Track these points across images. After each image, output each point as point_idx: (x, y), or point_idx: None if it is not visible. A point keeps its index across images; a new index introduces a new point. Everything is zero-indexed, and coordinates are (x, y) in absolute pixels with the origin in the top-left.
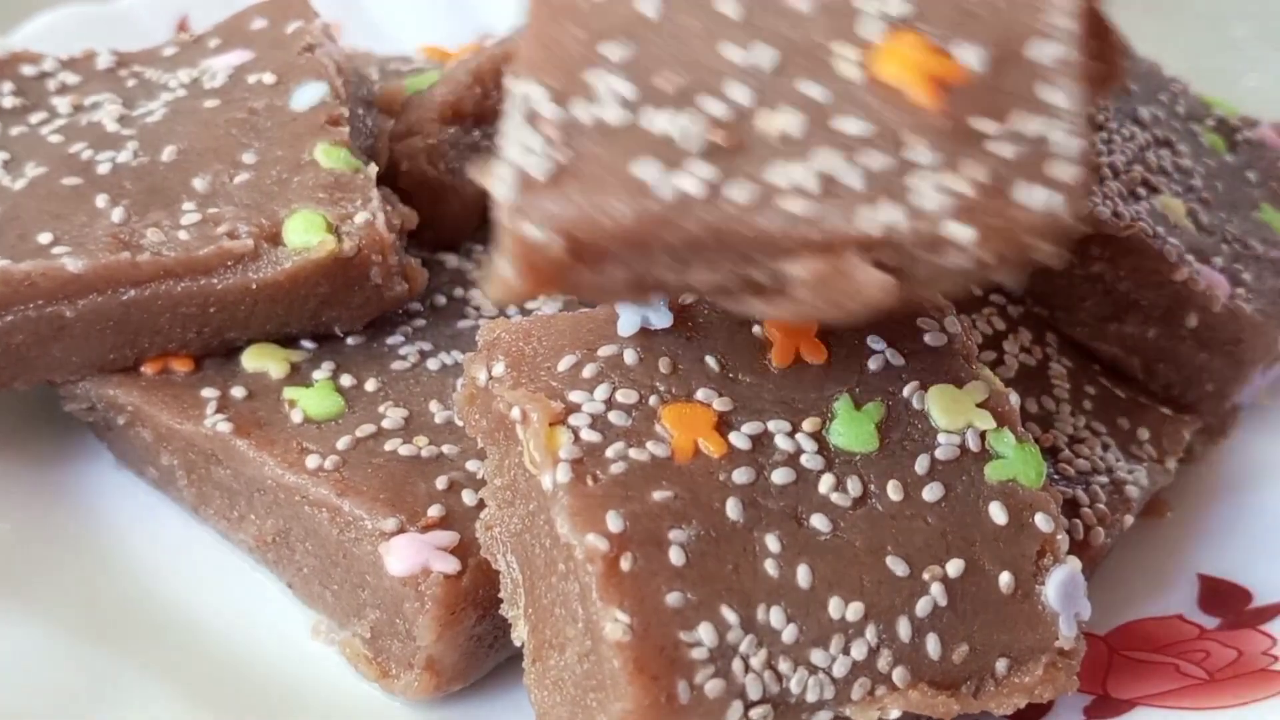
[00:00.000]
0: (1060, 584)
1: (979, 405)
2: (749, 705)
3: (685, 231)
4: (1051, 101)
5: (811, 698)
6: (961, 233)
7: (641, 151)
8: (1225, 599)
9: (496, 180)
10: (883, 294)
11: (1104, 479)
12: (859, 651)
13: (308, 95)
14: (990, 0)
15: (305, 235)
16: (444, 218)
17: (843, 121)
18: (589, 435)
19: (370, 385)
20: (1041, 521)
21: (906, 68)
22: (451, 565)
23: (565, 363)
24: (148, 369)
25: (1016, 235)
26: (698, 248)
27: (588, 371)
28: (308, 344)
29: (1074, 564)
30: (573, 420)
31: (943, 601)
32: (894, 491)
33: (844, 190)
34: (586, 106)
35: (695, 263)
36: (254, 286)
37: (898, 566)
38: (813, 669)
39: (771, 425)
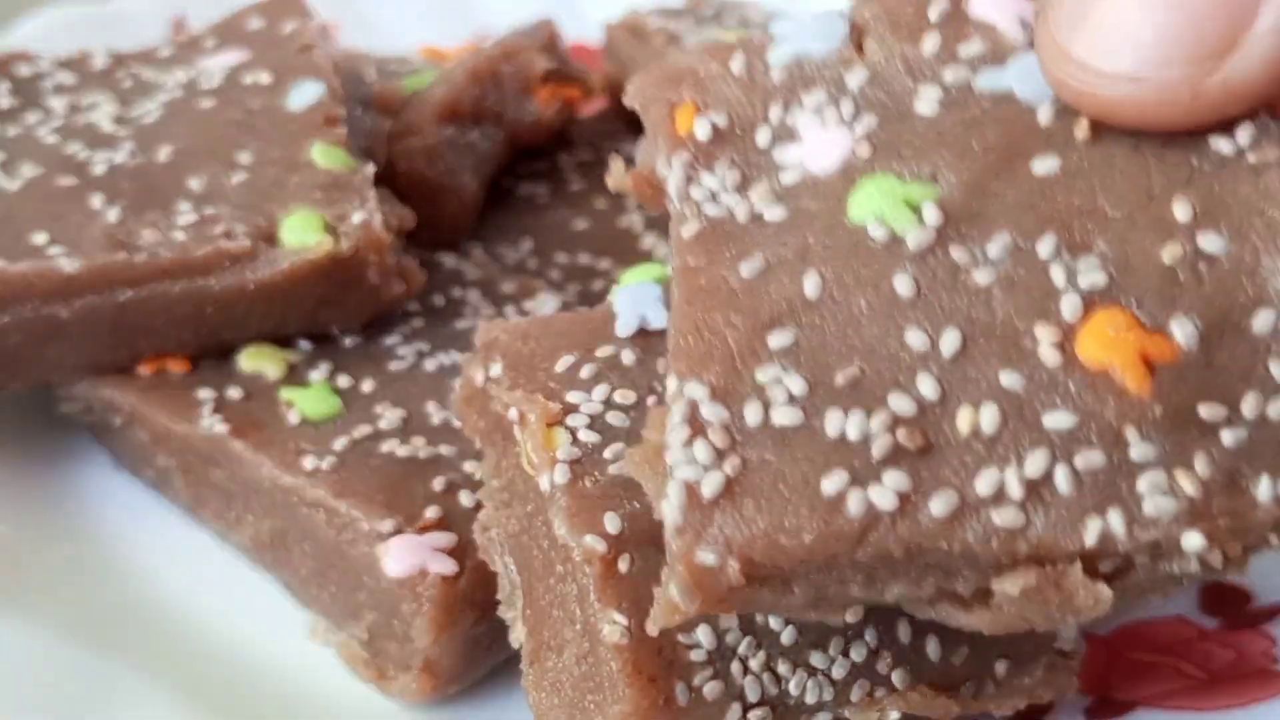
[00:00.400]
0: None
1: None
2: (747, 707)
3: (880, 550)
4: (1277, 376)
5: (810, 700)
6: (1191, 541)
7: (821, 459)
8: (1225, 600)
9: (663, 499)
10: (1100, 607)
11: None
12: (858, 653)
13: (304, 95)
14: (1197, 267)
15: (302, 235)
16: (441, 218)
17: (1045, 415)
18: (587, 436)
19: (367, 386)
20: None
21: (1113, 349)
22: (449, 567)
23: (563, 363)
24: (144, 370)
25: (1249, 533)
26: (893, 564)
27: (585, 372)
28: (304, 344)
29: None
30: (570, 421)
31: None
32: None
33: (1055, 496)
34: (754, 407)
35: (890, 579)
36: (251, 287)
37: None
38: (812, 671)
39: None
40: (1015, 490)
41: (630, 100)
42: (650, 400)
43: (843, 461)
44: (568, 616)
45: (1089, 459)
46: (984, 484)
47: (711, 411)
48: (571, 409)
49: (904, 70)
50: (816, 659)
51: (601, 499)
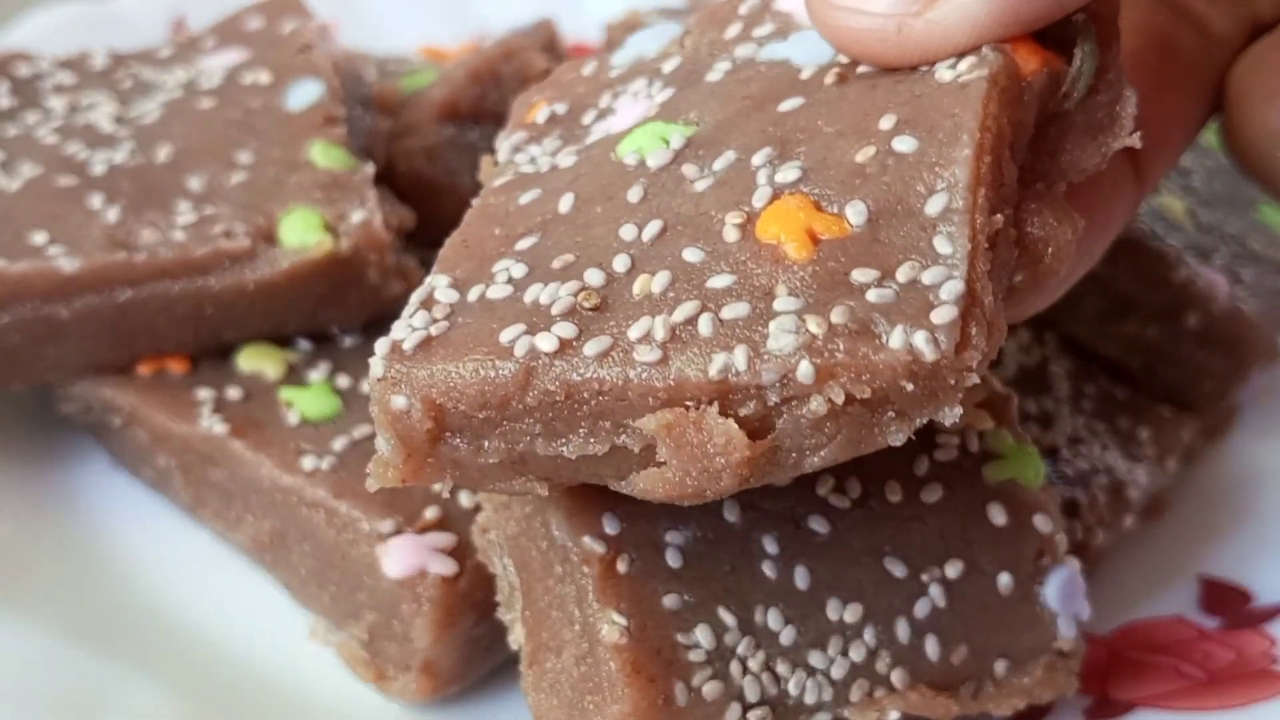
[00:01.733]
0: (1059, 585)
1: (978, 406)
2: (747, 707)
3: (538, 390)
4: (937, 248)
5: (810, 700)
6: (804, 370)
7: (510, 319)
8: (1225, 600)
9: (373, 360)
10: (742, 452)
11: (1103, 479)
12: (857, 653)
13: (304, 94)
14: (883, 160)
15: (302, 235)
16: (441, 218)
17: (712, 279)
18: None
19: (367, 386)
20: (1041, 522)
21: (784, 225)
22: (448, 567)
23: None
24: (144, 370)
25: (872, 376)
26: (557, 409)
27: None
28: (304, 344)
29: (1073, 565)
30: None
31: (942, 603)
32: (892, 493)
33: (694, 338)
34: (477, 288)
35: (561, 429)
36: (250, 286)
37: (896, 568)
38: (811, 671)
39: None
40: (660, 333)
41: (511, 117)
42: None
43: (524, 318)
44: (566, 617)
45: (734, 309)
46: (636, 330)
47: (443, 294)
48: None
49: (707, 53)
50: (816, 659)
51: (599, 500)
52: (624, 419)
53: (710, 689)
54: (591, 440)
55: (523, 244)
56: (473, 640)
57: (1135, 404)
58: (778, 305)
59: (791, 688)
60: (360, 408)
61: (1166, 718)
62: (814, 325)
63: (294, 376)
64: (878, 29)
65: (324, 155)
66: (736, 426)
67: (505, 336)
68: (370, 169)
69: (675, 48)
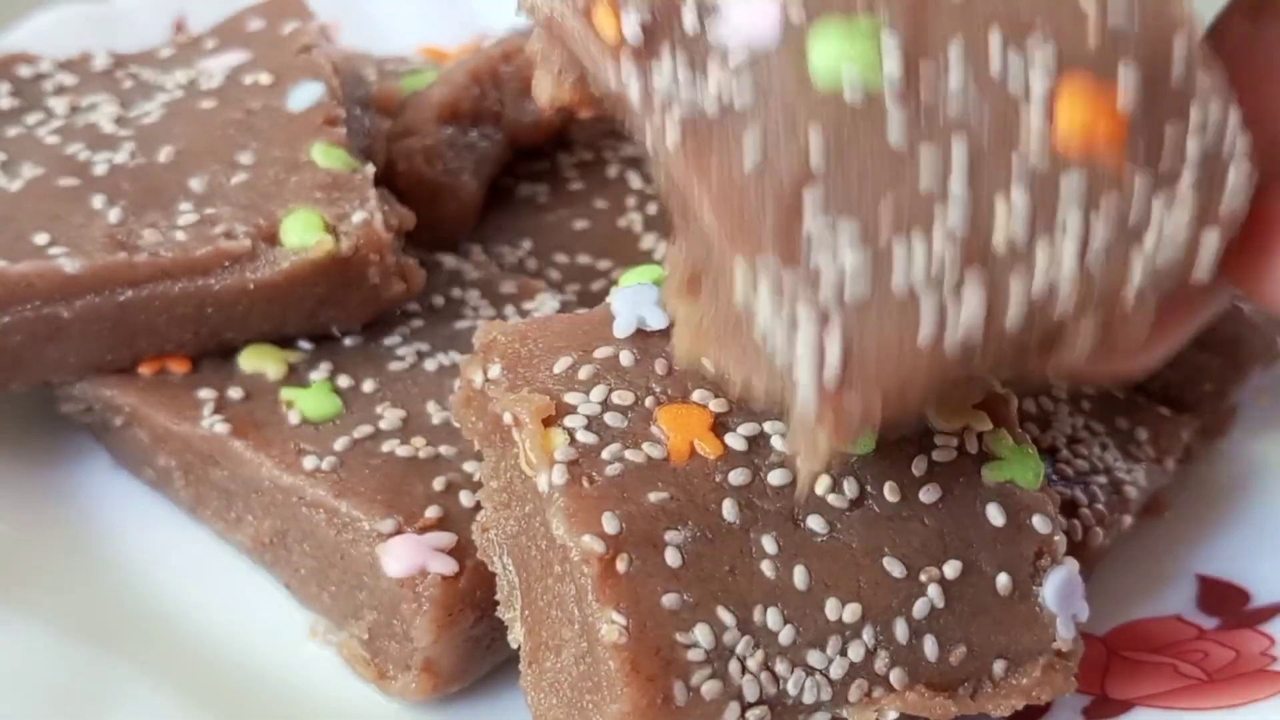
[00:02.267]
0: (1058, 585)
1: (976, 407)
2: (746, 707)
3: (985, 354)
4: (1201, 89)
5: (808, 699)
6: (1209, 240)
7: (910, 303)
8: (1223, 599)
9: (791, 368)
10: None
11: (1102, 479)
12: (856, 653)
13: (304, 95)
14: (1112, 12)
15: (302, 235)
16: (441, 218)
17: (1056, 208)
18: (585, 437)
19: (367, 386)
20: (1039, 523)
21: (1085, 111)
22: (449, 566)
23: (561, 364)
24: (145, 370)
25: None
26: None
27: (584, 373)
28: (305, 345)
29: (1072, 565)
30: (568, 422)
31: (940, 603)
32: (891, 493)
33: (1095, 254)
34: (824, 258)
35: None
36: (251, 287)
37: (895, 568)
38: (810, 670)
39: (768, 426)
40: (1070, 262)
41: (525, 6)
42: (648, 401)
43: (929, 295)
44: (566, 617)
45: (1101, 233)
46: (1040, 277)
47: (787, 279)
48: (569, 410)
49: None
50: (814, 658)
51: (599, 499)
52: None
53: (709, 688)
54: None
55: (811, 199)
56: (473, 639)
57: (1134, 404)
58: (1133, 219)
59: (790, 687)
60: (361, 407)
61: (1165, 717)
62: (1186, 199)
63: (295, 377)
64: None
65: (324, 156)
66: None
67: (924, 334)
68: (371, 169)
69: None
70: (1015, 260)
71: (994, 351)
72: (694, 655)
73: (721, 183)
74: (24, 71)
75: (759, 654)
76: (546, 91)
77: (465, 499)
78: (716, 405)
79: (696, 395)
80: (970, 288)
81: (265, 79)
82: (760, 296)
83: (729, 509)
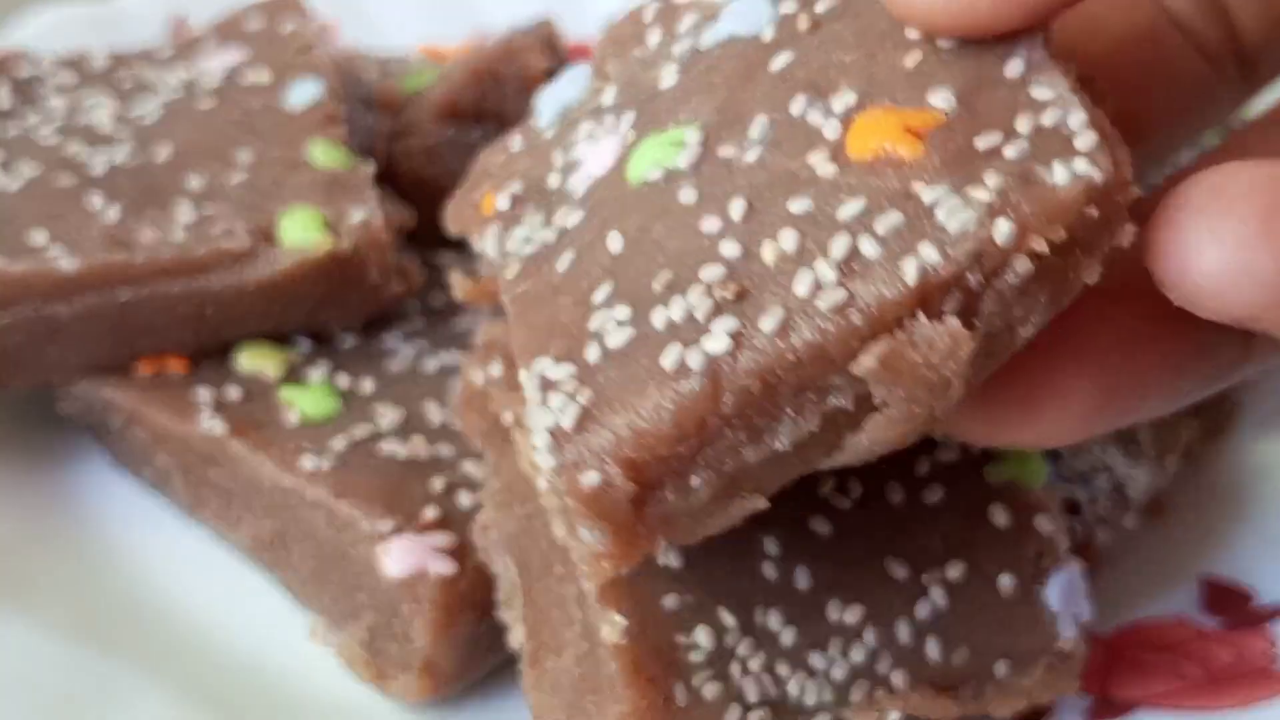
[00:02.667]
0: (1061, 585)
1: None
2: (747, 708)
3: (736, 392)
4: (1039, 97)
5: (810, 701)
6: (1001, 229)
7: (656, 348)
8: (1226, 600)
9: (538, 464)
10: (966, 348)
11: (1104, 479)
12: (858, 655)
13: (304, 94)
14: (936, 55)
15: (302, 234)
16: (441, 218)
17: (840, 211)
18: None
19: (367, 386)
20: (1042, 523)
21: (878, 134)
22: (449, 567)
23: None
24: (143, 370)
25: (1062, 214)
26: (756, 406)
27: None
28: (304, 344)
29: (1074, 565)
30: None
31: (942, 604)
32: (893, 493)
33: (867, 263)
34: (592, 347)
35: (766, 424)
36: (250, 286)
37: (897, 569)
38: (811, 672)
39: None
40: (829, 275)
41: (451, 229)
42: None
43: (674, 338)
44: (567, 617)
45: (887, 221)
46: (801, 287)
47: (557, 371)
48: None
49: (641, 68)
50: (816, 660)
51: None
52: (828, 379)
53: (710, 689)
54: (801, 420)
55: (600, 294)
56: (473, 640)
57: None
58: (927, 198)
59: (792, 688)
60: (360, 407)
61: (1167, 717)
62: (981, 194)
63: (294, 376)
64: None
65: (324, 155)
66: (957, 322)
67: (668, 361)
68: (370, 168)
69: (599, 82)
70: (774, 288)
71: (752, 387)
72: (695, 656)
73: (532, 296)
74: (23, 70)
75: (761, 655)
76: (464, 292)
77: (465, 499)
78: None
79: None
80: (731, 307)
81: (264, 78)
82: (530, 399)
83: None
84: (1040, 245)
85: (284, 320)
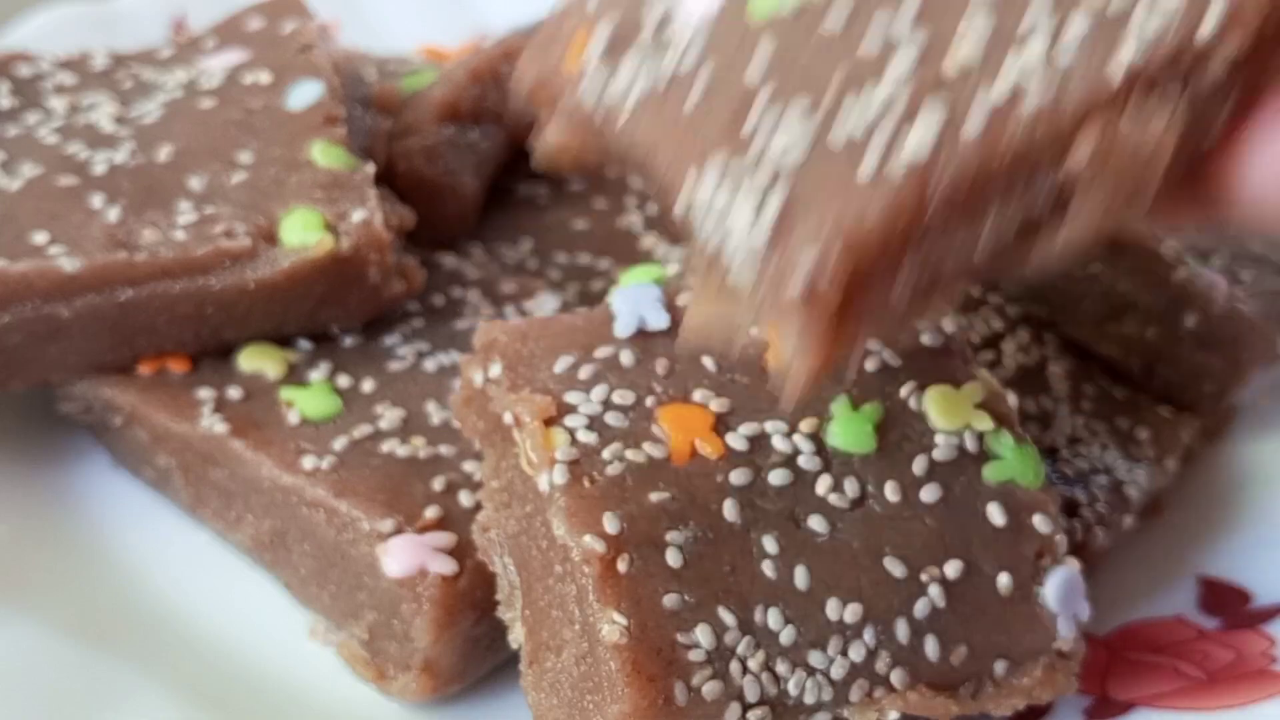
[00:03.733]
0: (1059, 585)
1: (977, 406)
2: (747, 707)
3: (943, 195)
4: None
5: (809, 699)
6: (1209, 19)
7: (850, 155)
8: (1224, 600)
9: (732, 280)
10: (1171, 126)
11: (1103, 479)
12: (857, 653)
13: (304, 94)
14: None
15: (302, 234)
16: (441, 218)
17: (1026, 17)
18: (586, 436)
19: (367, 386)
20: (1040, 523)
21: None
22: (449, 566)
23: (562, 364)
24: (144, 369)
25: (1263, 5)
26: (965, 208)
27: (584, 373)
28: (304, 344)
29: (1073, 565)
30: (569, 421)
31: (941, 603)
32: (892, 492)
33: (1068, 60)
34: (767, 161)
35: (968, 221)
36: (251, 286)
37: (896, 568)
38: (811, 671)
39: (768, 426)
40: (1036, 63)
41: (528, 78)
42: (649, 400)
43: (866, 143)
44: (566, 617)
45: (1079, 26)
46: (1001, 85)
47: (731, 178)
48: (570, 409)
49: None
50: (815, 659)
51: (600, 499)
52: (1035, 175)
53: (710, 689)
54: (1003, 219)
55: (756, 116)
56: (473, 639)
57: (1135, 404)
58: (1114, 7)
59: (791, 687)
60: (361, 407)
61: (1166, 717)
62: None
63: (294, 376)
64: None
65: (324, 155)
66: (1166, 107)
67: (867, 166)
68: (371, 169)
69: None
70: (975, 77)
71: (960, 191)
72: (695, 655)
73: (666, 125)
74: (24, 71)
75: (760, 654)
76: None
77: (465, 499)
78: (717, 405)
79: (697, 395)
80: (922, 114)
81: (265, 78)
82: (701, 199)
83: (730, 509)
84: (1244, 34)
85: (284, 320)
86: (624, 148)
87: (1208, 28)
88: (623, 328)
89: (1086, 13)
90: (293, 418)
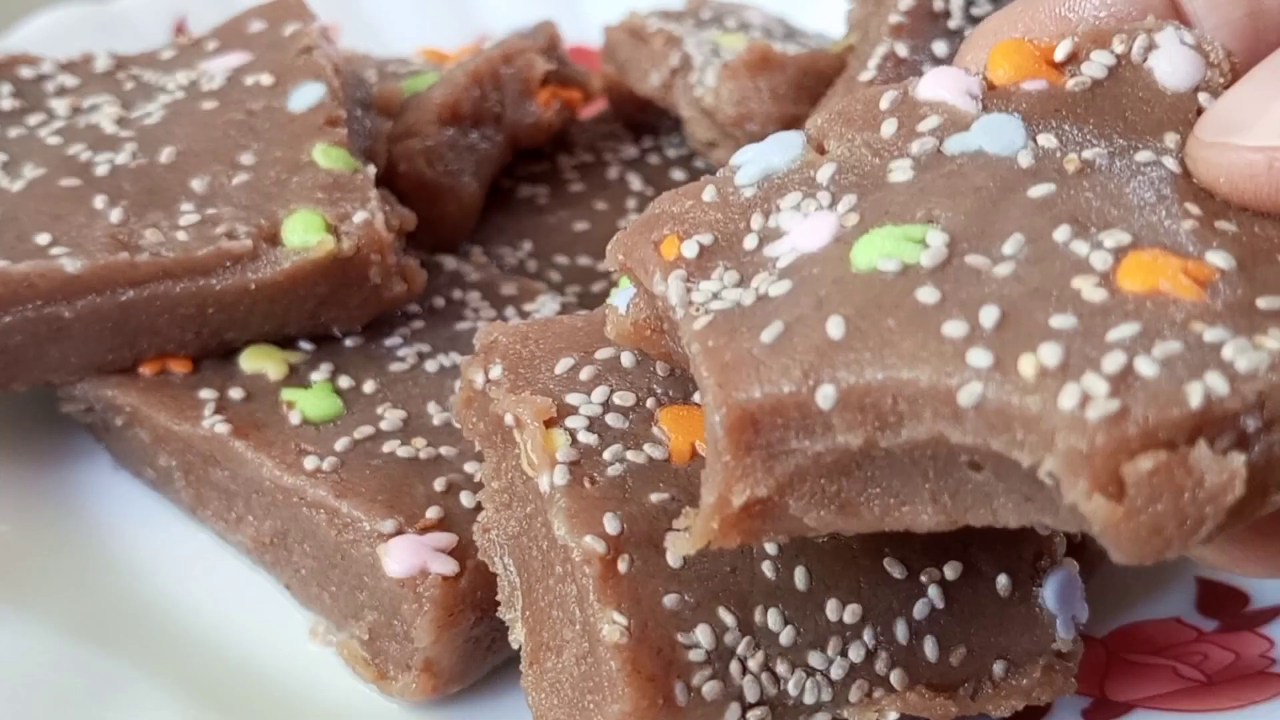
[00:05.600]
0: (1058, 586)
1: None
2: (746, 707)
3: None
4: None
5: (809, 700)
6: None
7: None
8: (1223, 601)
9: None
10: (1237, 492)
11: None
12: (856, 654)
13: (306, 96)
14: (1220, 229)
15: (304, 235)
16: (442, 219)
17: (1110, 334)
18: (586, 437)
19: (368, 387)
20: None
21: (1155, 271)
22: (449, 567)
23: (562, 365)
24: (146, 370)
25: None
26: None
27: (585, 374)
28: (306, 345)
29: (1072, 566)
30: (570, 422)
31: (940, 604)
32: None
33: (1144, 380)
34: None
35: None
36: (252, 287)
37: (895, 569)
38: (810, 671)
39: None
40: (1100, 388)
41: (613, 261)
42: (649, 402)
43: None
44: (567, 617)
45: (1166, 348)
46: (1067, 398)
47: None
48: (571, 411)
49: (870, 153)
50: (815, 659)
51: (601, 500)
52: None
53: (710, 689)
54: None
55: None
56: (473, 640)
57: None
58: (1209, 336)
59: (791, 688)
60: (362, 408)
61: (1164, 719)
62: (1272, 343)
63: (296, 377)
64: (1247, 165)
65: (326, 157)
66: (1241, 459)
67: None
68: (372, 170)
69: (814, 155)
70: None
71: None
72: (695, 656)
73: (728, 356)
74: (25, 73)
75: (760, 654)
76: (619, 327)
77: (466, 500)
78: None
79: (698, 396)
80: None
81: (266, 80)
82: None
83: None
84: None
85: (286, 321)
86: (687, 351)
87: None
88: None
89: (1177, 340)
90: (294, 418)
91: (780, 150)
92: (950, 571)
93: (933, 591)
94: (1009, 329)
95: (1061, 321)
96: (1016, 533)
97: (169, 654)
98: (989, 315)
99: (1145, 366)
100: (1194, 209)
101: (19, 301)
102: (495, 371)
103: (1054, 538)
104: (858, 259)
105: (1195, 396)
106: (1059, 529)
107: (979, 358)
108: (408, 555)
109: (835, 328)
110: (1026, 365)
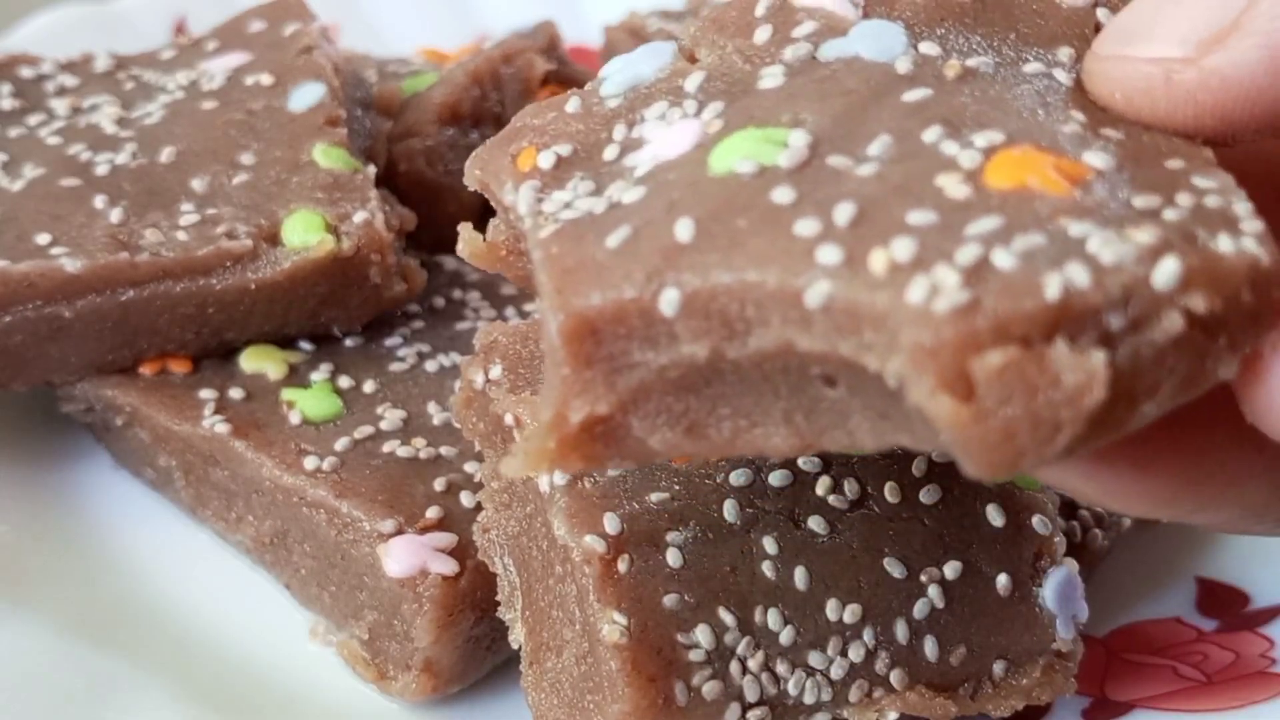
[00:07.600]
0: (1058, 586)
1: None
2: (746, 707)
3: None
4: (1200, 184)
5: (809, 700)
6: (1168, 268)
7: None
8: (1223, 601)
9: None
10: (1098, 395)
11: None
12: (856, 653)
13: (306, 96)
14: (1104, 135)
15: (304, 235)
16: (442, 219)
17: (968, 227)
18: None
19: (368, 387)
20: (1038, 523)
21: (1024, 168)
22: (449, 567)
23: None
24: (146, 370)
25: (1222, 281)
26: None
27: None
28: (306, 345)
29: (1071, 566)
30: None
31: (940, 603)
32: (891, 493)
33: (998, 274)
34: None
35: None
36: (252, 286)
37: (895, 568)
38: (810, 671)
39: None
40: (951, 279)
41: (471, 178)
42: None
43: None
44: (567, 617)
45: (1027, 240)
46: (917, 290)
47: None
48: None
49: (741, 60)
50: (815, 659)
51: (600, 500)
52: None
53: (710, 689)
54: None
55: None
56: (473, 640)
57: None
58: (1074, 230)
59: (791, 688)
60: (362, 408)
61: (1164, 719)
62: (1142, 236)
63: (296, 377)
64: (1143, 78)
65: (326, 156)
66: (1102, 357)
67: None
68: (372, 170)
69: (684, 64)
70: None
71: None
72: (695, 656)
73: (578, 259)
74: (25, 73)
75: (760, 654)
76: (471, 249)
77: (466, 499)
78: None
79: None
80: None
81: (266, 80)
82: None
83: (730, 509)
84: (1197, 305)
85: (286, 321)
86: (534, 259)
87: (1170, 269)
88: None
89: (1039, 232)
90: (294, 418)
91: (649, 59)
92: (950, 571)
93: (933, 591)
94: (863, 225)
95: (919, 218)
96: (1016, 532)
97: (169, 654)
98: (844, 212)
99: (1002, 258)
100: (1079, 116)
101: (19, 301)
102: (495, 371)
103: (1054, 537)
104: (715, 163)
105: (1053, 287)
106: (917, 449)
107: (829, 254)
108: (408, 555)
109: (684, 230)
110: (877, 260)
